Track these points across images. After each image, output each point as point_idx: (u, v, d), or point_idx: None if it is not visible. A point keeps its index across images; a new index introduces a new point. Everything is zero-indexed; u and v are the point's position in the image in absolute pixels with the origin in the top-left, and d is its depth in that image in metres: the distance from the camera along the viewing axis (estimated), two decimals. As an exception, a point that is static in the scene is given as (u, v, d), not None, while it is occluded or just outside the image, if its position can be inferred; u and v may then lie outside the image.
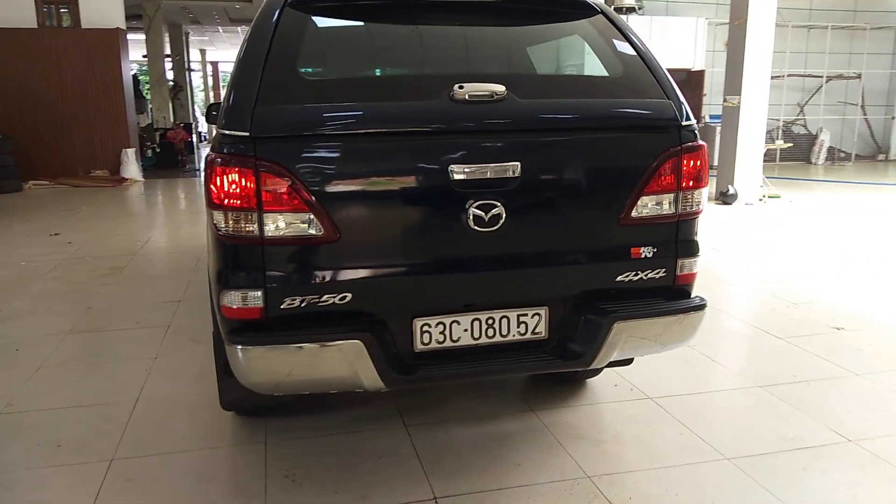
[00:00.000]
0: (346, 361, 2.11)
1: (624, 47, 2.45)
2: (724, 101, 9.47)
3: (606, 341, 2.31)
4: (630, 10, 13.41)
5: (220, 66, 33.10)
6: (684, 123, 2.37)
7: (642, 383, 3.42)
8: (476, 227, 2.18)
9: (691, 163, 2.38)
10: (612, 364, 3.08)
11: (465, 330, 2.30)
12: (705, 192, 2.48)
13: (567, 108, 2.30)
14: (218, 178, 2.03)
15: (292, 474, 2.63)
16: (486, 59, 2.56)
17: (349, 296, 2.16)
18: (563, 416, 3.08)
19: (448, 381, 2.55)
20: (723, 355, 3.80)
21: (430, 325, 2.27)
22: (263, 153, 2.02)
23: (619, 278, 2.39)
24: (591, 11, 2.55)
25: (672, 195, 2.38)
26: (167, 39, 21.29)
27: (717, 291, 5.08)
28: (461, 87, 2.13)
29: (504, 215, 2.20)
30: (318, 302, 2.13)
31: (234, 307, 2.10)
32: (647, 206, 2.36)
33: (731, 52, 9.33)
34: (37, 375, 3.59)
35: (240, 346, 2.07)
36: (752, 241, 7.16)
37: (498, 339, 2.34)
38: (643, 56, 2.44)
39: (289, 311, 2.12)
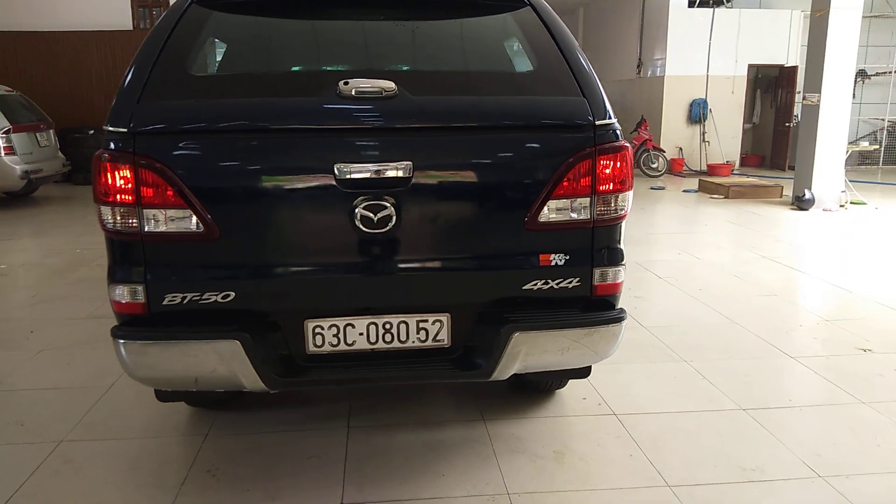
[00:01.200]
0: (223, 361, 2.09)
1: (546, 42, 2.30)
2: (803, 98, 8.81)
3: (505, 353, 2.18)
4: (717, 3, 12.76)
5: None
6: (600, 122, 2.20)
7: (613, 398, 3.23)
8: (365, 229, 2.11)
9: (609, 165, 2.21)
10: (568, 375, 2.97)
11: (361, 334, 2.23)
12: (629, 197, 2.29)
13: (464, 105, 2.18)
14: (100, 174, 2.06)
15: (215, 469, 2.65)
16: (388, 54, 2.47)
17: (232, 294, 2.14)
18: (513, 428, 2.95)
19: (339, 385, 2.47)
20: (719, 373, 3.52)
21: (322, 328, 2.21)
22: (142, 149, 2.04)
23: (526, 286, 2.25)
24: (519, 4, 2.41)
25: (586, 199, 2.21)
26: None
27: (744, 303, 4.72)
28: (346, 84, 2.06)
29: (395, 217, 2.12)
30: (201, 299, 2.13)
31: (121, 301, 2.13)
32: (557, 210, 2.20)
33: (811, 47, 8.66)
34: (37, 357, 3.81)
35: (120, 341, 2.09)
36: (813, 249, 6.62)
37: (396, 344, 2.25)
38: (565, 51, 2.28)
39: (171, 307, 2.13)
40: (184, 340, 2.09)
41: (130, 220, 2.07)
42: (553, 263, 2.24)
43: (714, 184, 9.96)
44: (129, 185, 2.05)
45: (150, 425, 3.00)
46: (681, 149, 12.77)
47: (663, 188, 10.76)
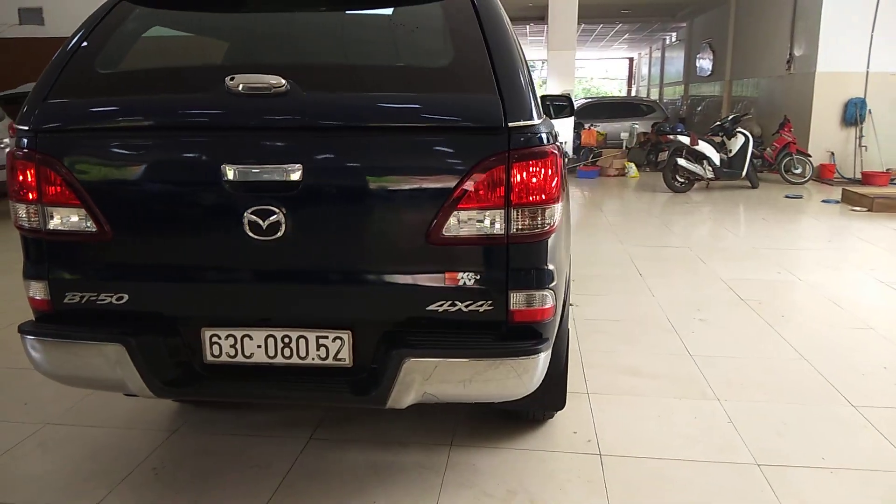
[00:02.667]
0: (109, 364, 2.05)
1: (472, 33, 2.03)
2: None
3: (397, 380, 1.96)
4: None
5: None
6: (515, 124, 1.91)
7: (609, 435, 2.87)
8: (254, 235, 1.98)
9: (527, 174, 1.91)
10: (540, 405, 2.67)
11: (259, 346, 2.10)
12: (556, 210, 1.98)
13: (357, 104, 1.98)
14: (10, 171, 2.08)
15: (161, 469, 2.65)
16: (292, 47, 2.30)
17: (126, 297, 2.09)
18: (477, 458, 2.69)
19: (230, 399, 2.32)
20: (750, 418, 3.02)
21: (219, 337, 2.11)
22: (42, 147, 2.04)
23: (431, 307, 2.00)
24: None
25: (499, 212, 1.93)
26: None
27: (828, 335, 4.06)
28: (232, 79, 1.93)
29: (284, 223, 1.97)
30: (97, 300, 2.10)
31: (32, 297, 2.16)
32: (464, 223, 1.94)
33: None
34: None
35: (25, 336, 2.11)
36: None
37: (296, 360, 2.10)
38: (491, 43, 2.00)
39: (71, 306, 2.12)
40: (73, 341, 2.07)
41: (34, 218, 2.08)
42: (461, 283, 1.98)
43: (858, 194, 8.78)
44: (33, 183, 2.06)
45: (130, 417, 3.07)
46: (832, 154, 11.42)
47: (800, 197, 9.67)
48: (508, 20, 2.20)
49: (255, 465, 2.66)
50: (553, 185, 1.95)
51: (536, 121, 1.95)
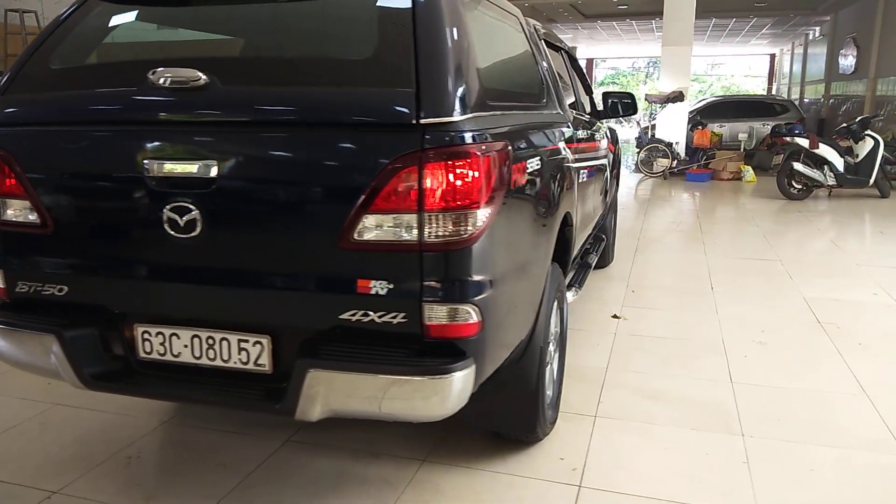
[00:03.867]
0: (46, 354, 2.08)
1: (402, 20, 1.87)
2: None
3: (302, 391, 1.84)
4: None
5: (597, 63, 33.65)
6: (431, 121, 1.73)
7: (600, 466, 2.61)
8: (173, 232, 1.94)
9: (442, 175, 1.73)
10: (507, 427, 2.48)
11: (186, 346, 2.06)
12: (478, 216, 1.78)
13: (269, 99, 1.88)
14: None
15: (136, 458, 2.69)
16: (224, 40, 2.20)
17: (66, 289, 2.12)
18: (444, 478, 2.53)
19: (155, 398, 2.25)
20: (773, 459, 2.64)
21: (150, 334, 2.09)
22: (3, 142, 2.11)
23: (343, 316, 1.87)
24: None
25: (411, 217, 1.76)
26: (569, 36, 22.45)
27: (894, 365, 3.51)
28: (153, 73, 1.90)
29: (200, 221, 1.91)
30: (42, 290, 2.14)
31: None
32: (375, 227, 1.79)
33: None
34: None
35: None
36: None
37: (219, 363, 2.04)
38: (420, 32, 1.83)
39: (22, 295, 2.18)
40: (14, 329, 2.12)
41: (8, 210, 2.15)
42: (373, 292, 1.83)
43: None
44: (-14, 176, 2.13)
45: (129, 403, 3.14)
46: None
47: (937, 209, 8.56)
48: (469, 7, 2.03)
49: (222, 462, 2.64)
50: (476, 188, 1.76)
51: (459, 117, 1.76)
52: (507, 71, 2.52)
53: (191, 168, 1.89)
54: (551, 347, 2.78)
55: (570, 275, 3.26)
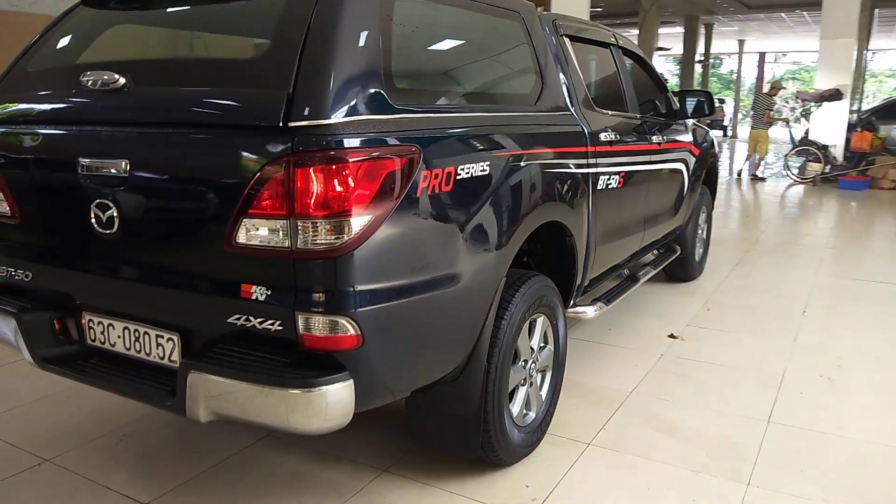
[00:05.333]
0: (10, 334, 2.26)
1: (298, 18, 1.81)
2: None
3: (187, 392, 1.85)
4: None
5: (768, 57, 31.18)
6: (298, 124, 1.66)
7: (564, 500, 2.41)
8: (98, 228, 2.03)
9: (311, 180, 1.66)
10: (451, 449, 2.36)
11: (119, 337, 2.15)
12: (356, 224, 1.69)
13: (163, 100, 1.91)
14: None
15: (129, 435, 2.86)
16: (152, 42, 2.21)
17: (31, 274, 2.28)
18: (396, 491, 2.46)
19: (90, 385, 2.22)
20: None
21: (94, 323, 2.21)
22: None
23: (231, 319, 1.86)
24: None
25: (282, 222, 1.71)
26: (682, 32, 21.31)
27: None
28: (84, 76, 1.99)
29: (117, 218, 1.98)
30: (14, 275, 2.33)
31: None
32: (253, 231, 1.76)
33: None
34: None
35: None
36: None
37: (144, 356, 2.11)
38: (312, 31, 1.76)
39: (1, 279, 2.38)
40: None
41: None
42: (254, 297, 1.80)
43: None
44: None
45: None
46: None
47: None
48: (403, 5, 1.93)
49: (199, 451, 2.74)
50: (349, 195, 1.67)
51: (336, 120, 1.68)
52: (461, 71, 2.38)
53: (108, 166, 1.97)
54: (531, 367, 2.60)
55: (575, 288, 3.01)
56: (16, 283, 2.35)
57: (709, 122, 26.01)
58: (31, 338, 2.22)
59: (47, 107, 2.17)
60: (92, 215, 2.03)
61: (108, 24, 2.31)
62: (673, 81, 25.18)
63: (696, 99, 4.40)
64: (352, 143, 1.70)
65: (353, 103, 1.73)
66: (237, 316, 1.84)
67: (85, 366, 2.22)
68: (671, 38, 23.74)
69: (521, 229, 2.34)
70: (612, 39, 3.71)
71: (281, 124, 1.67)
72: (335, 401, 1.75)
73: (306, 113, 1.67)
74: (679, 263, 5.00)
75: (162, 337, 2.05)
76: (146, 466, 2.63)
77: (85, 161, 2.02)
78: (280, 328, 1.79)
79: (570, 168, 2.76)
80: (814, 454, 2.71)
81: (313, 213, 1.68)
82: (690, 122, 4.73)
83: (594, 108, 3.13)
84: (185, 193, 1.92)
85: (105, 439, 2.83)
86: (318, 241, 1.69)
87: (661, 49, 20.25)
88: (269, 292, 1.78)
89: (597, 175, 3.01)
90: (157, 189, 1.96)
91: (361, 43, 1.81)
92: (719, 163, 5.43)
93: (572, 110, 2.90)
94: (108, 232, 2.01)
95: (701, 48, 22.87)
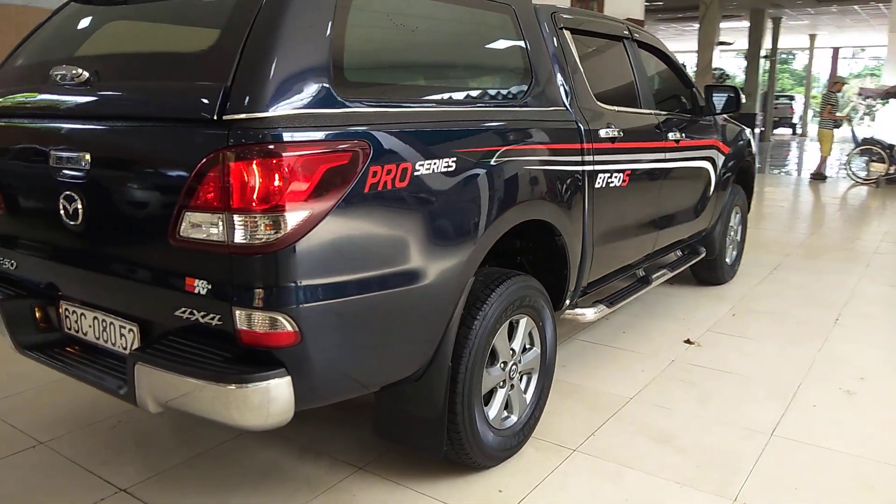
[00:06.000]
0: None
1: (245, 11, 1.81)
2: None
3: (136, 382, 1.88)
4: None
5: (844, 52, 29.81)
6: (233, 117, 1.66)
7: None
8: (66, 219, 2.08)
9: (245, 174, 1.65)
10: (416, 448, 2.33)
11: (90, 326, 2.20)
12: (292, 220, 1.67)
13: (112, 93, 1.96)
14: None
15: (124, 422, 2.93)
16: (120, 36, 2.22)
17: (16, 263, 2.36)
18: (366, 490, 2.44)
19: (62, 372, 2.24)
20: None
21: (69, 311, 2.26)
22: None
23: (178, 312, 1.87)
24: None
25: (218, 216, 1.71)
26: (747, 26, 20.60)
27: None
28: (54, 71, 2.03)
29: (81, 210, 2.03)
30: (2, 262, 2.41)
31: None
32: (193, 225, 1.76)
33: None
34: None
35: None
36: None
37: (110, 345, 2.15)
38: (255, 24, 1.75)
39: None
40: None
41: None
42: (196, 291, 1.80)
43: None
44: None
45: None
46: None
47: None
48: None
49: (187, 440, 2.79)
50: (284, 189, 1.65)
51: (274, 113, 1.66)
52: (430, 66, 2.33)
53: (73, 159, 2.01)
54: (511, 369, 2.53)
55: (569, 290, 2.92)
56: (3, 271, 2.43)
57: (776, 119, 25.19)
58: (12, 324, 2.29)
59: (26, 101, 2.24)
60: (61, 207, 2.08)
61: (90, 19, 2.36)
62: (741, 78, 24.36)
63: (724, 95, 4.21)
64: (288, 137, 1.68)
65: (293, 97, 1.71)
66: (183, 309, 1.86)
67: (59, 353, 2.27)
68: (735, 32, 22.95)
69: (493, 228, 2.28)
70: (625, 32, 3.58)
71: (216, 117, 1.67)
72: (271, 398, 1.74)
73: (242, 106, 1.67)
74: (707, 266, 4.82)
75: (124, 327, 2.09)
76: (133, 453, 2.69)
77: (55, 153, 2.07)
78: (220, 323, 1.79)
79: (560, 165, 2.68)
80: (814, 471, 2.56)
81: (247, 207, 1.67)
82: (720, 118, 4.54)
83: (595, 104, 3.03)
84: (137, 186, 1.95)
85: (100, 425, 2.91)
86: (253, 236, 1.68)
87: (722, 43, 19.56)
88: (209, 286, 1.78)
89: (594, 173, 2.91)
90: (114, 182, 1.99)
91: (307, 37, 1.79)
92: (757, 162, 5.18)
93: (568, 106, 2.81)
94: (74, 223, 2.06)
95: (768, 43, 22.03)
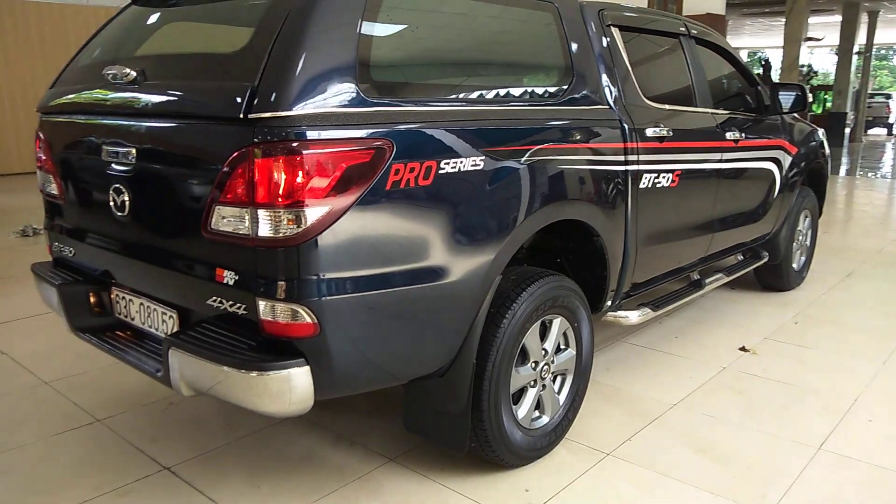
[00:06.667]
0: (55, 303, 2.50)
1: (276, 14, 1.87)
2: None
3: (170, 365, 1.97)
4: None
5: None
6: (257, 116, 1.72)
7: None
8: (115, 210, 2.21)
9: (270, 169, 1.72)
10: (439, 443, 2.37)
11: (137, 312, 2.33)
12: (312, 215, 1.72)
13: (155, 91, 2.05)
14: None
15: (174, 405, 3.08)
16: (169, 37, 2.31)
17: (74, 250, 2.52)
18: (394, 481, 2.49)
19: (111, 355, 2.34)
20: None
21: (118, 297, 2.40)
22: (40, 126, 2.59)
23: (209, 301, 1.96)
24: None
25: (244, 210, 1.78)
26: (839, 20, 19.60)
27: None
28: (107, 71, 2.16)
29: (128, 202, 2.15)
30: (62, 250, 2.58)
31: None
32: (224, 218, 1.84)
33: None
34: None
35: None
36: None
37: (153, 330, 2.27)
38: (285, 24, 1.81)
39: (56, 254, 2.65)
40: (41, 280, 2.58)
41: (45, 183, 2.64)
42: (226, 281, 1.88)
43: None
44: (37, 153, 2.62)
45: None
46: None
47: None
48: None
49: (229, 424, 2.90)
50: (304, 185, 1.71)
51: (297, 112, 1.72)
52: (462, 64, 2.33)
53: (121, 154, 2.14)
54: (543, 369, 2.52)
55: (609, 292, 2.87)
56: (65, 258, 2.60)
57: (870, 119, 23.82)
58: (68, 308, 2.45)
59: (84, 99, 2.38)
60: (111, 199, 2.21)
61: (143, 21, 2.48)
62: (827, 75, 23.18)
63: (791, 93, 4.04)
64: (311, 135, 1.73)
65: (318, 97, 1.76)
66: (214, 298, 1.95)
67: (109, 336, 2.41)
68: (825, 27, 21.85)
69: (522, 228, 2.27)
70: (682, 29, 3.48)
71: (242, 116, 1.74)
72: (291, 386, 1.80)
73: (267, 105, 1.73)
74: (772, 272, 4.64)
75: (165, 314, 2.20)
76: (180, 434, 2.82)
77: (106, 148, 2.20)
78: (245, 312, 1.87)
79: (599, 165, 2.64)
80: (859, 490, 2.44)
81: (269, 202, 1.73)
82: (788, 118, 4.35)
83: (644, 103, 2.97)
84: (175, 181, 2.05)
85: (153, 406, 3.06)
86: (274, 230, 1.75)
87: (810, 39, 18.66)
88: (236, 277, 1.86)
89: (639, 173, 2.86)
90: (155, 176, 2.10)
91: (334, 38, 1.84)
92: (829, 164, 4.93)
93: (612, 105, 2.77)
94: (121, 214, 2.19)
95: (862, 38, 20.87)
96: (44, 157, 2.58)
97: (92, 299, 2.47)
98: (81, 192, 2.45)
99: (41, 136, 2.59)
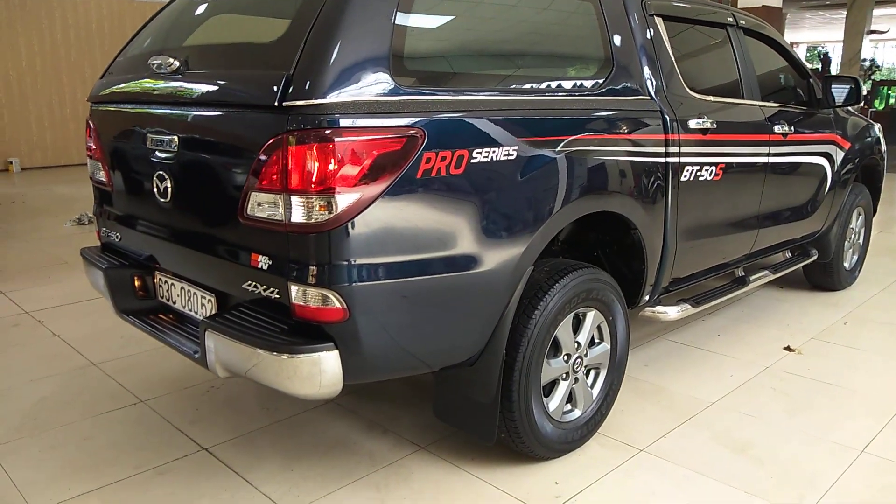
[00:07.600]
0: (102, 286, 2.60)
1: (314, 6, 1.89)
2: None
3: (206, 347, 2.03)
4: None
5: None
6: (294, 103, 1.75)
7: (589, 501, 2.33)
8: (158, 196, 2.28)
9: (302, 157, 1.74)
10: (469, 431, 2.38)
11: (178, 295, 2.40)
12: (342, 202, 1.75)
13: (194, 80, 2.09)
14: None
15: (216, 389, 3.16)
16: (211, 27, 2.34)
17: (120, 236, 2.60)
18: (423, 469, 2.51)
19: (152, 336, 2.43)
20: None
21: (161, 281, 2.47)
22: (91, 115, 2.67)
23: (245, 285, 2.00)
24: None
25: (278, 197, 1.81)
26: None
27: None
28: (151, 60, 2.23)
29: (170, 189, 2.21)
30: (110, 236, 2.67)
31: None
32: (260, 204, 1.88)
33: None
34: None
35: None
36: None
37: (193, 313, 2.33)
38: (321, 14, 1.84)
39: (104, 239, 2.75)
40: (89, 264, 2.68)
41: (94, 171, 2.74)
42: (260, 266, 1.93)
43: None
44: (87, 142, 2.72)
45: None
46: None
47: None
48: None
49: (267, 408, 2.97)
50: (335, 172, 1.73)
51: (331, 100, 1.74)
52: (497, 54, 2.32)
53: (164, 142, 2.21)
54: (576, 362, 2.51)
55: (646, 286, 2.83)
56: (112, 242, 2.69)
57: (937, 115, 22.80)
58: (114, 290, 2.54)
59: (130, 88, 2.46)
60: (154, 185, 2.28)
61: (188, 11, 2.54)
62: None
63: (845, 87, 3.91)
64: (343, 123, 1.76)
65: (351, 85, 1.78)
66: (249, 282, 1.99)
67: (151, 319, 2.49)
68: (891, 19, 20.98)
69: (555, 219, 2.26)
70: (730, 19, 3.40)
71: (277, 104, 1.77)
72: (321, 370, 1.83)
73: (302, 93, 1.75)
74: (821, 270, 4.50)
75: (204, 297, 2.26)
76: (219, 416, 2.90)
77: (151, 136, 2.27)
78: (278, 296, 1.91)
79: (638, 157, 2.60)
80: (904, 495, 2.35)
81: (301, 188, 1.76)
82: (843, 112, 4.21)
83: (688, 94, 2.91)
84: (214, 168, 2.10)
85: (195, 389, 3.15)
86: (306, 216, 1.78)
87: (874, 32, 17.95)
88: (270, 262, 1.90)
89: (680, 165, 2.80)
90: (195, 163, 2.16)
91: (369, 28, 1.85)
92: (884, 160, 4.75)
93: (653, 95, 2.72)
94: (164, 201, 2.25)
95: (930, 31, 20.02)
96: (93, 146, 2.67)
97: (136, 283, 2.55)
98: (127, 180, 2.53)
99: (91, 125, 2.68)
